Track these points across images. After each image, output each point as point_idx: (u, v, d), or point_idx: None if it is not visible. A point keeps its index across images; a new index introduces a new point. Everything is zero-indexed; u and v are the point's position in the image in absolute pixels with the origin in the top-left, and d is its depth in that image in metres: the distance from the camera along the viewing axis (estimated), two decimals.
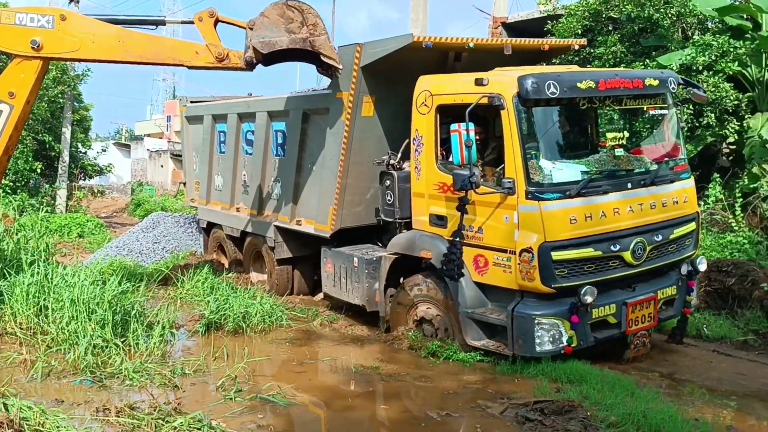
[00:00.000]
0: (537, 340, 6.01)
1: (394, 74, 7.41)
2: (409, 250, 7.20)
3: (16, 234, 9.53)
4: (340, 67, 7.11)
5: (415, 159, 7.10)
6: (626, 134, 7.32)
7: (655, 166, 6.79)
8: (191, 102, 12.08)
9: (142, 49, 7.17)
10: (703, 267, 7.07)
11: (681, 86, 7.06)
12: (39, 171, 20.83)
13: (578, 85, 6.14)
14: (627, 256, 6.27)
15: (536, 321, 5.99)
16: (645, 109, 6.94)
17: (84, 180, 26.35)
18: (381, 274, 7.54)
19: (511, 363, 6.20)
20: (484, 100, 6.09)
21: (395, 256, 7.42)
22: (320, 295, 9.16)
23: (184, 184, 12.16)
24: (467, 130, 5.95)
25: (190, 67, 7.43)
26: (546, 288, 6.00)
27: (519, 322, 6.04)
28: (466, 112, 5.97)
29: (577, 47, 8.88)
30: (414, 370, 6.45)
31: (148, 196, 26.66)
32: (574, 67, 8.10)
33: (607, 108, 6.81)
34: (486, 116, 6.99)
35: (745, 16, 11.13)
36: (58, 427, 4.29)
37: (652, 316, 6.49)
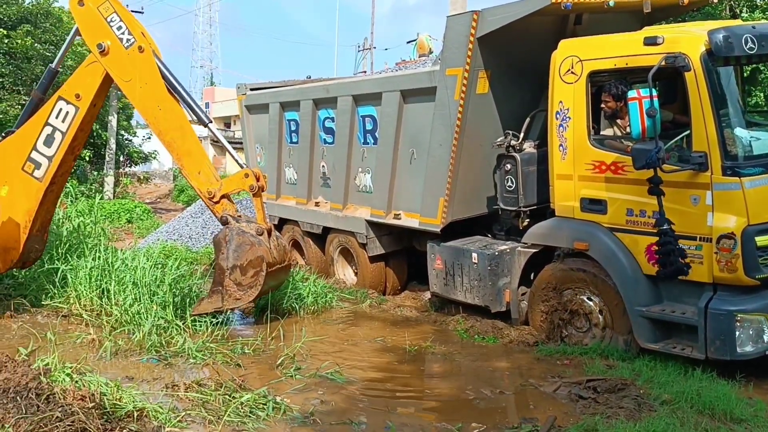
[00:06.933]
0: (738, 341, 5.17)
1: (509, 44, 6.67)
2: (556, 241, 6.35)
3: (74, 220, 9.89)
4: None
5: (558, 136, 6.16)
6: None
7: None
8: (251, 90, 10.86)
9: (166, 127, 6.91)
10: None
11: None
12: (87, 159, 21.43)
13: None
14: None
15: (737, 318, 5.16)
16: None
17: (129, 167, 27.02)
18: (514, 271, 6.73)
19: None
20: (664, 62, 5.22)
21: (533, 250, 6.57)
22: (427, 294, 8.29)
23: None
24: (650, 96, 5.10)
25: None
26: (750, 279, 5.18)
27: (716, 321, 5.20)
28: (649, 75, 5.08)
29: (716, 0, 7.96)
30: (464, 349, 6.52)
31: None
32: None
33: None
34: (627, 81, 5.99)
35: None
36: (133, 401, 4.52)
37: None
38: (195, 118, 7.19)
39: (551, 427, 4.51)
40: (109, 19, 6.85)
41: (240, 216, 7.00)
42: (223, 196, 6.90)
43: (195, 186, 7.11)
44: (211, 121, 7.34)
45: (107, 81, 7.09)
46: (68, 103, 6.95)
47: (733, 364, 5.33)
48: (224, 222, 6.89)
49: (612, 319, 6.02)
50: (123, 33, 6.85)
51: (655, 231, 5.42)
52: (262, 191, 6.93)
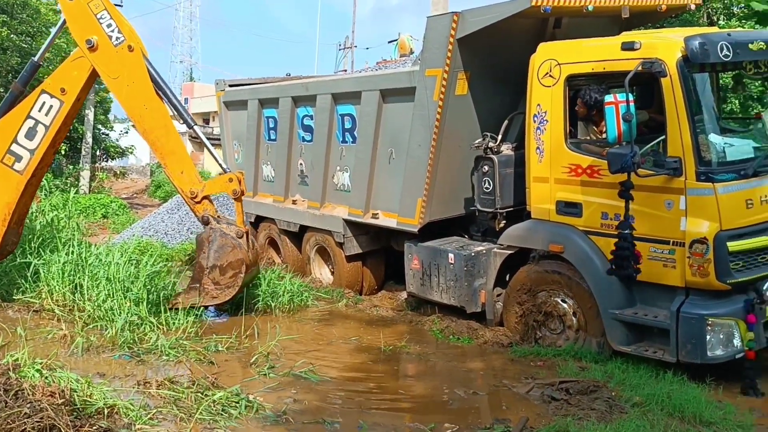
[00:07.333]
0: (709, 345, 5.22)
1: (489, 46, 6.71)
2: (532, 243, 6.39)
3: (48, 214, 9.76)
4: None
5: (535, 138, 6.21)
6: None
7: None
8: (230, 86, 10.79)
9: (151, 126, 6.99)
10: None
11: None
12: (63, 152, 21.15)
13: (750, 46, 5.35)
14: None
15: (708, 322, 5.20)
16: None
17: (106, 161, 26.74)
18: (490, 272, 6.76)
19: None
20: (640, 67, 5.25)
21: (509, 252, 6.60)
22: (404, 294, 8.26)
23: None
24: (627, 101, 5.13)
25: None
26: (721, 284, 5.23)
27: (687, 325, 5.24)
28: (626, 80, 5.11)
29: (693, 6, 7.92)
30: (439, 350, 6.53)
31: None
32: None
33: (767, 73, 5.79)
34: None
35: None
36: (104, 398, 4.47)
37: None
38: (180, 119, 7.29)
39: (523, 428, 4.53)
40: (99, 16, 6.92)
41: (219, 217, 7.11)
42: (204, 197, 7.01)
43: (177, 185, 7.19)
44: (196, 123, 7.44)
45: (93, 76, 7.14)
46: (52, 96, 6.95)
47: (703, 367, 5.39)
48: (205, 222, 7.02)
49: (585, 322, 6.06)
50: (113, 31, 6.92)
51: (617, 233, 5.51)
52: (243, 195, 7.08)
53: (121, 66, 6.92)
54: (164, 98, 7.10)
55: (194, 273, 7.05)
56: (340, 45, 34.96)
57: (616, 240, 5.48)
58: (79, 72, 6.98)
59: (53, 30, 7.54)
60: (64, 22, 7.14)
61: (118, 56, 6.90)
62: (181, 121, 7.33)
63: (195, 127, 7.38)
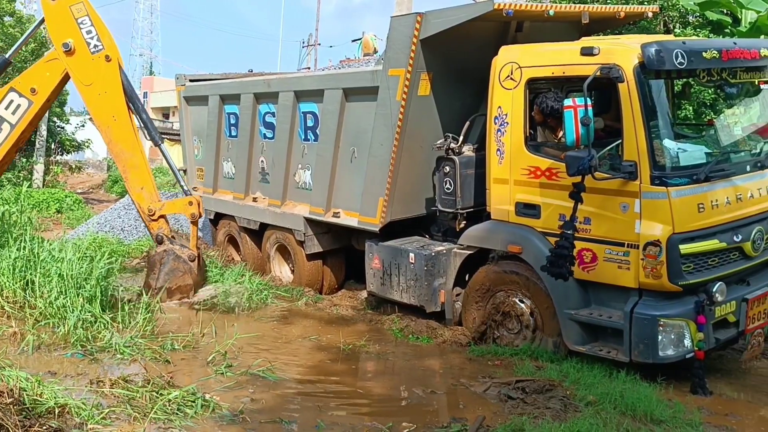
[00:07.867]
0: (660, 345, 5.35)
1: (452, 48, 6.77)
2: (491, 244, 6.46)
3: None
4: None
5: (496, 140, 6.28)
6: (741, 111, 6.58)
7: None
8: (191, 81, 10.58)
9: (117, 137, 7.14)
10: None
11: None
12: None
13: (704, 55, 5.47)
14: (747, 247, 5.71)
15: (660, 323, 5.32)
16: (756, 83, 6.25)
17: (61, 155, 26.10)
18: (450, 272, 6.81)
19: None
20: (599, 72, 5.33)
21: (469, 252, 6.66)
22: (364, 293, 8.24)
23: (184, 171, 10.69)
24: (585, 105, 5.21)
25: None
26: (673, 286, 5.34)
27: (640, 325, 5.35)
28: (584, 85, 5.21)
29: (651, 14, 8.11)
30: (398, 349, 6.57)
31: None
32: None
33: (719, 81, 5.92)
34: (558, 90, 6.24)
35: (725, 11, 11.39)
36: (55, 397, 4.37)
37: (767, 313, 5.91)
38: (147, 135, 7.41)
39: (479, 427, 4.58)
40: (80, 21, 7.02)
41: (174, 237, 7.28)
42: (161, 216, 7.17)
43: (135, 200, 7.35)
44: (162, 142, 7.59)
45: (65, 80, 7.25)
46: (21, 95, 6.91)
47: (655, 367, 5.52)
48: (159, 241, 7.19)
49: (542, 322, 6.15)
50: (92, 38, 6.97)
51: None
52: (201, 218, 7.34)
53: (95, 74, 6.96)
54: (134, 112, 7.19)
55: (141, 292, 7.14)
56: (303, 42, 34.82)
57: (558, 239, 5.57)
58: (51, 74, 7.01)
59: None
60: (42, 21, 7.12)
61: (94, 64, 6.97)
62: (148, 137, 7.40)
63: (161, 146, 7.49)
